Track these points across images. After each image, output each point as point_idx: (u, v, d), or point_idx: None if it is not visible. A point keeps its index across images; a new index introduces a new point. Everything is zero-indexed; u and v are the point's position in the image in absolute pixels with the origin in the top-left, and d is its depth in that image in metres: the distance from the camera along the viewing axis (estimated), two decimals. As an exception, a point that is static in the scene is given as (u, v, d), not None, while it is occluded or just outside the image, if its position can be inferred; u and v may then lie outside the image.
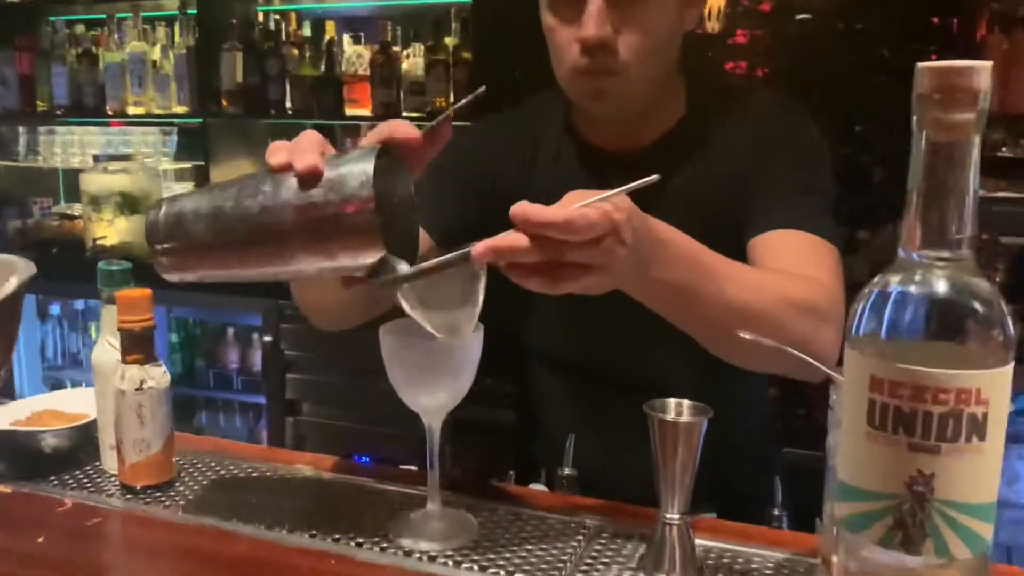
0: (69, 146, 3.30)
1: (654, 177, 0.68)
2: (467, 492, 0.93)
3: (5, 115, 3.29)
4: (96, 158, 3.03)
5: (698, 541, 0.80)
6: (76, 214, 3.16)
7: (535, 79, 1.15)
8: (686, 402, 0.79)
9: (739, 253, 0.98)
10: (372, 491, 0.94)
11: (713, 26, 2.46)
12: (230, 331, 3.08)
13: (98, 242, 2.91)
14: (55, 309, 3.23)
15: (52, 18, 3.28)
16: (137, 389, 0.90)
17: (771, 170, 1.04)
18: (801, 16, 2.44)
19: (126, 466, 0.91)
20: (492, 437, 2.42)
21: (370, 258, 0.73)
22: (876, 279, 0.57)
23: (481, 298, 0.74)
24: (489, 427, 2.39)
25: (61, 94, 3.16)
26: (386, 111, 2.67)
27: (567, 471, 1.11)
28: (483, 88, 0.78)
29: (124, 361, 0.90)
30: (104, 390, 0.93)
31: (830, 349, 0.89)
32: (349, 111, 2.75)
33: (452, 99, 2.70)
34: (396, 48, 2.74)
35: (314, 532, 0.84)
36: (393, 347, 0.79)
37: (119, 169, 2.91)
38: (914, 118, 0.54)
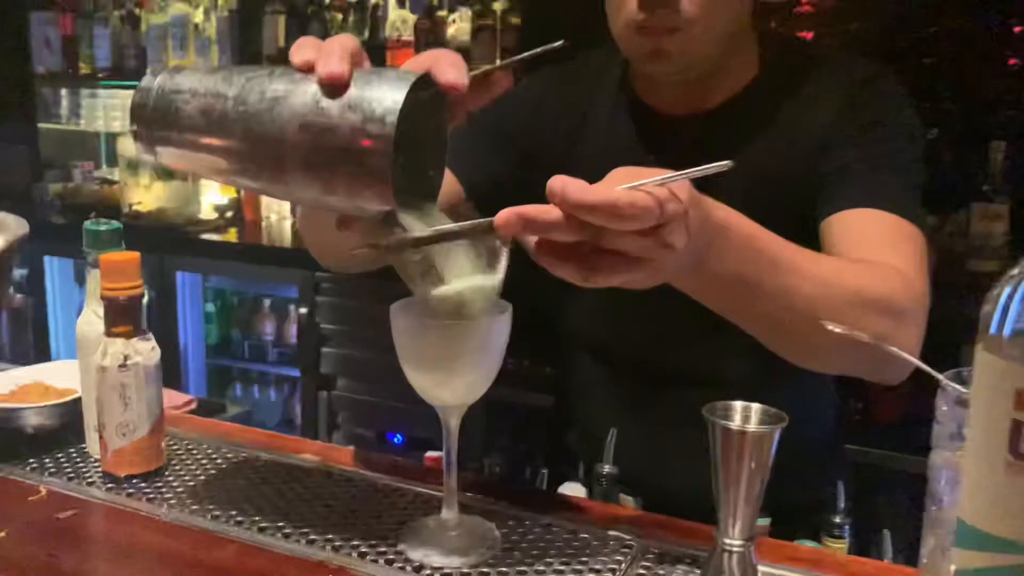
0: (111, 109, 3.26)
1: (726, 163, 0.56)
2: (490, 494, 0.81)
3: (48, 77, 3.24)
4: (134, 121, 2.97)
5: (762, 568, 0.67)
6: (116, 179, 3.11)
7: (586, 45, 1.04)
8: (755, 406, 0.65)
9: (810, 234, 0.86)
10: (383, 489, 0.82)
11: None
12: (266, 302, 3.00)
13: (133, 207, 2.85)
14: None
15: (96, -22, 3.21)
16: (121, 366, 0.79)
17: (853, 141, 0.91)
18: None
19: (108, 452, 0.81)
20: (528, 425, 2.31)
21: (373, 205, 0.60)
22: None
23: (501, 277, 0.62)
24: (526, 412, 2.28)
25: (103, 56, 3.11)
26: (430, 78, 2.55)
27: (607, 469, 1.00)
28: (561, 42, 0.64)
29: (107, 334, 0.80)
30: (88, 365, 0.83)
31: (909, 351, 0.76)
32: (392, 77, 2.64)
33: (499, 63, 2.57)
34: (442, 13, 2.63)
35: (312, 538, 0.73)
36: (404, 329, 0.67)
37: (156, 133, 2.84)
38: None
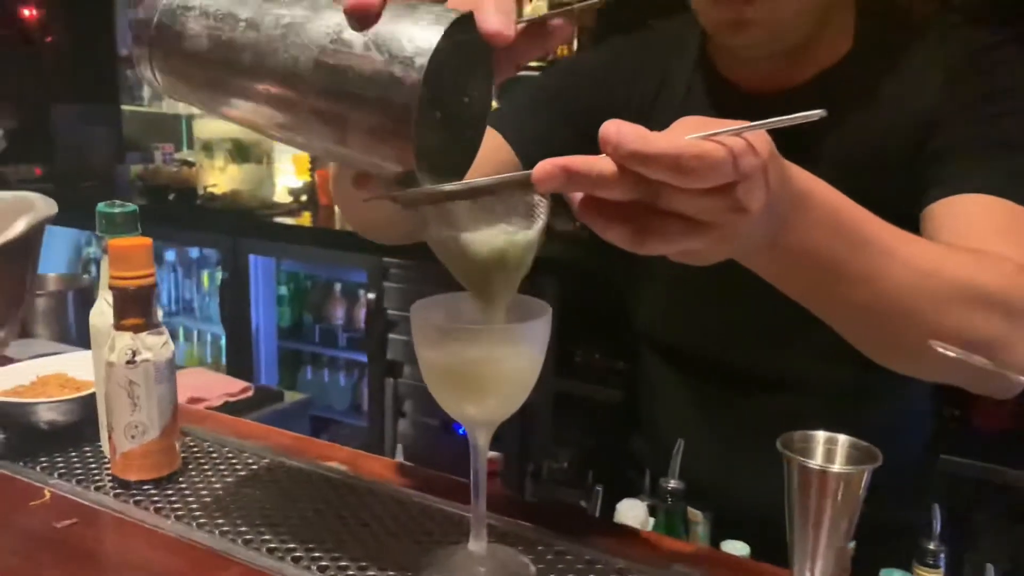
0: (191, 92, 3.28)
1: (818, 112, 0.45)
2: (529, 518, 0.71)
3: (131, 60, 3.29)
4: (210, 103, 2.97)
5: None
6: (194, 161, 3.13)
7: (657, 12, 0.96)
8: (841, 438, 0.54)
9: (910, 225, 0.73)
10: (412, 506, 0.74)
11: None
12: (337, 287, 2.98)
13: (209, 189, 2.85)
14: (170, 255, 3.22)
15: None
16: (129, 362, 0.72)
17: (964, 119, 0.79)
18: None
19: (117, 455, 0.74)
20: (597, 420, 2.20)
21: (390, 163, 0.51)
22: None
23: (532, 255, 0.52)
24: (595, 407, 2.17)
25: (185, 39, 3.12)
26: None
27: (672, 484, 0.89)
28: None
29: (116, 327, 0.73)
30: (99, 358, 0.77)
31: (1023, 356, 0.64)
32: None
33: (576, 46, 2.45)
34: (518, -13, 2.51)
35: (324, 564, 0.65)
36: (426, 333, 0.58)
37: (231, 115, 2.84)
38: None
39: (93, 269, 3.05)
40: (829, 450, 0.54)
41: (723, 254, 0.52)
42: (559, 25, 0.57)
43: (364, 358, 2.73)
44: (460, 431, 2.47)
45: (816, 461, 0.52)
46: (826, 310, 0.63)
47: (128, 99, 3.41)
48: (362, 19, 0.50)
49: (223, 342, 2.93)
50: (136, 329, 0.73)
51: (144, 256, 0.73)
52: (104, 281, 0.77)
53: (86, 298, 2.95)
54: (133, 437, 0.74)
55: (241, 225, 2.75)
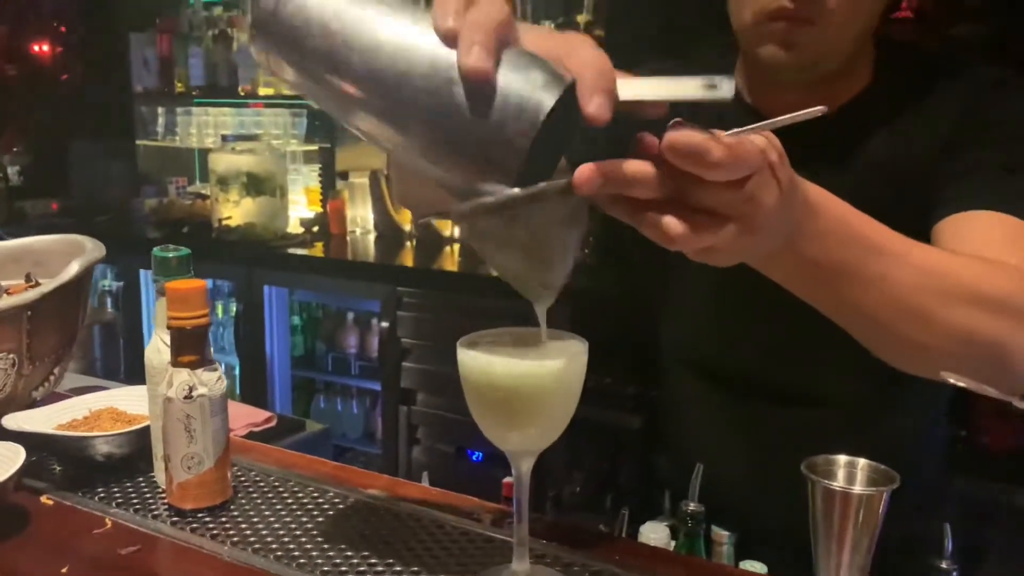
0: (204, 126, 3.35)
1: (820, 108, 0.52)
2: (565, 541, 0.75)
3: (145, 95, 3.37)
4: (224, 138, 3.03)
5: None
6: (208, 194, 3.19)
7: (672, 54, 0.99)
8: (861, 461, 0.59)
9: (925, 241, 0.79)
10: (452, 530, 0.78)
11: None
12: (350, 316, 3.02)
13: (223, 222, 2.91)
14: (185, 288, 3.27)
15: (191, 0, 3.32)
16: (186, 397, 0.77)
17: (976, 145, 0.85)
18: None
19: (174, 485, 0.79)
20: (611, 446, 2.24)
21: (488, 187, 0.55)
22: None
23: (573, 254, 0.57)
24: (608, 432, 2.21)
25: (197, 75, 3.20)
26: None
27: (692, 507, 0.93)
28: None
29: (173, 364, 0.78)
30: (155, 394, 0.82)
31: None
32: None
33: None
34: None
35: (375, 585, 0.69)
36: (474, 367, 0.62)
37: (245, 149, 2.90)
38: None
39: (109, 301, 3.10)
40: (850, 473, 0.58)
41: (741, 252, 0.56)
42: (654, 106, 0.58)
43: (377, 386, 2.77)
44: (475, 457, 2.50)
45: (838, 483, 0.57)
46: (839, 312, 0.67)
47: (143, 134, 3.48)
48: (476, 83, 0.52)
49: (237, 372, 2.97)
50: (192, 366, 0.78)
51: (200, 298, 0.78)
52: (160, 320, 0.82)
53: (110, 332, 2.99)
54: (189, 468, 0.78)
55: (255, 256, 2.80)
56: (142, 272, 3.15)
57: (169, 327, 0.78)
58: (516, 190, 0.53)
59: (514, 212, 0.54)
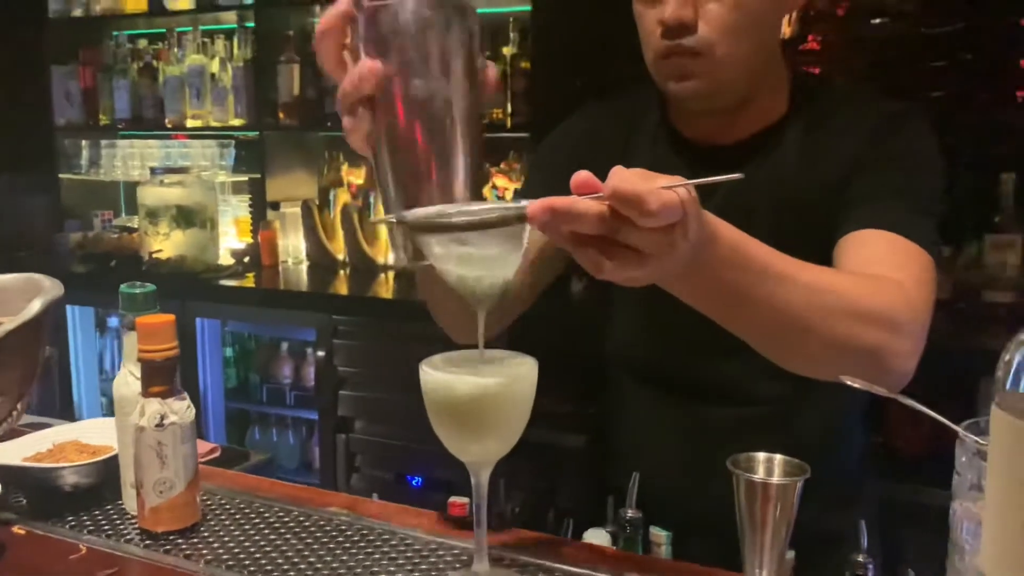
0: (130, 159, 3.32)
1: (737, 175, 0.60)
2: (518, 546, 0.82)
3: (69, 128, 3.31)
4: (153, 171, 3.02)
5: (789, 619, 0.68)
6: (135, 227, 3.16)
7: (595, 88, 1.08)
8: (778, 457, 0.67)
9: (828, 258, 0.90)
10: (414, 540, 0.84)
11: (784, 31, 2.34)
12: (284, 346, 3.03)
13: (154, 255, 2.89)
14: (113, 322, 3.23)
15: (115, 33, 3.29)
16: (157, 425, 0.81)
17: (873, 173, 0.96)
18: (877, 20, 2.30)
19: (146, 510, 0.83)
20: (550, 465, 2.31)
21: None
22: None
23: (514, 268, 0.65)
24: (545, 451, 2.28)
25: (123, 108, 3.17)
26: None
27: (631, 513, 1.01)
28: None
29: (144, 394, 0.82)
30: (125, 424, 0.86)
31: (903, 361, 0.79)
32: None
33: (510, 109, 2.60)
34: (453, 58, 2.66)
35: (346, 593, 0.75)
36: (436, 386, 0.69)
37: (175, 182, 2.90)
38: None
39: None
40: (768, 467, 0.67)
41: (657, 279, 0.64)
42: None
43: (314, 415, 2.78)
44: (414, 483, 2.54)
45: (759, 476, 0.65)
46: (737, 327, 0.76)
47: (66, 167, 3.42)
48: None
49: (170, 405, 2.94)
50: (163, 396, 0.82)
51: (169, 331, 0.83)
52: (129, 353, 0.86)
53: (45, 367, 2.91)
54: (161, 492, 0.83)
55: (187, 289, 2.80)
56: (68, 308, 3.10)
57: (140, 359, 0.82)
58: (475, 210, 0.61)
59: (468, 232, 0.62)
